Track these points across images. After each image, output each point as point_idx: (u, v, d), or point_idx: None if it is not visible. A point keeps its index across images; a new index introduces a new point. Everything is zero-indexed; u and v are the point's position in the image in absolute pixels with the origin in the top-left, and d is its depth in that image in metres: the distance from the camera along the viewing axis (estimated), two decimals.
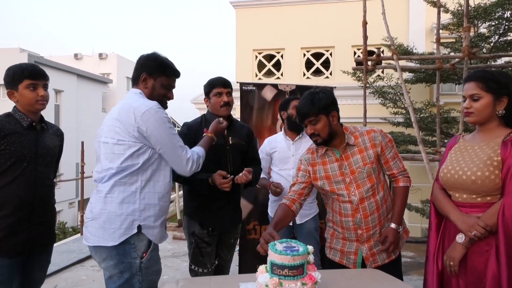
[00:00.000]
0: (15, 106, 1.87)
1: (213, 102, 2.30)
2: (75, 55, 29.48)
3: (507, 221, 1.41)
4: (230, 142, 2.31)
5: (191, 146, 2.11)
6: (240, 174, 2.16)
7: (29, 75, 1.82)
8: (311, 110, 1.83)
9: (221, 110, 2.29)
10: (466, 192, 1.57)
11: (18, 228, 1.80)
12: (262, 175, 2.77)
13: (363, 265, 1.94)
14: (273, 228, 1.76)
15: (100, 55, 29.48)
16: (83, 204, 6.91)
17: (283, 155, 2.80)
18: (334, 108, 1.88)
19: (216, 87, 2.29)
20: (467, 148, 1.64)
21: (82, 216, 6.81)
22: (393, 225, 1.89)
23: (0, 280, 1.77)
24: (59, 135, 2.09)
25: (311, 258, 1.34)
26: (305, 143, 2.80)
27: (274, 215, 1.95)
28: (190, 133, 2.27)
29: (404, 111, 7.59)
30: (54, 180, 2.10)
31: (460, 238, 1.54)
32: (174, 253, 4.76)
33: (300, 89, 3.69)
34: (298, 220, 2.76)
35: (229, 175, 2.13)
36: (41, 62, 20.64)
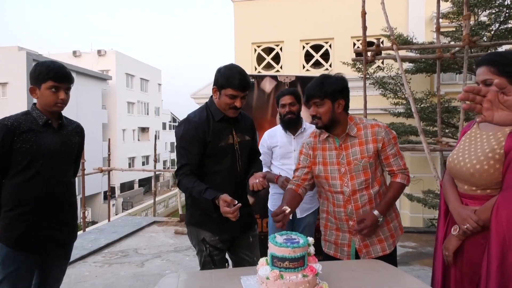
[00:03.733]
0: (34, 103, 1.89)
1: (223, 101, 1.94)
2: (74, 52, 29.39)
3: (500, 218, 1.34)
4: (238, 140, 2.04)
5: (200, 149, 1.93)
6: (256, 180, 1.87)
7: (54, 77, 1.82)
8: (318, 92, 1.82)
9: (229, 111, 1.97)
10: (467, 183, 1.52)
11: (37, 225, 1.82)
12: (265, 169, 2.71)
13: (357, 257, 1.93)
14: (286, 204, 1.83)
15: (99, 52, 29.37)
16: (84, 201, 6.93)
17: (285, 150, 2.73)
18: (342, 96, 1.85)
19: (233, 88, 1.90)
20: (477, 136, 1.55)
21: (83, 213, 6.83)
22: (375, 212, 1.85)
23: (20, 275, 1.80)
24: (79, 132, 2.08)
25: (311, 250, 1.33)
26: (307, 137, 2.77)
27: (283, 198, 1.94)
28: (198, 134, 1.93)
29: (404, 102, 7.55)
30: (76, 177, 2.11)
31: (454, 230, 1.53)
32: (176, 248, 4.76)
33: (300, 80, 3.64)
34: (299, 214, 2.73)
35: (236, 202, 1.77)
36: (39, 60, 20.63)
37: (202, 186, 1.86)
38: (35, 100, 1.91)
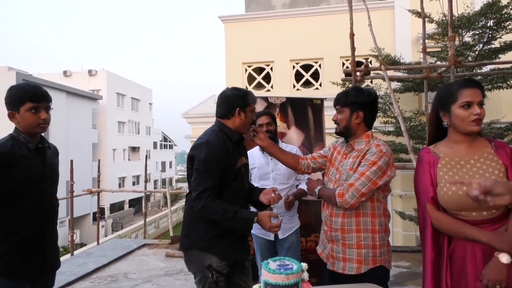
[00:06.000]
0: (16, 128, 1.83)
1: (250, 118, 2.07)
2: (64, 72, 29.35)
3: None
4: (243, 162, 2.12)
5: (221, 171, 1.93)
6: (272, 194, 2.05)
7: (32, 98, 1.78)
8: (340, 99, 1.99)
9: (249, 128, 2.15)
10: (486, 209, 1.49)
11: (34, 252, 1.79)
12: None
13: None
14: (271, 144, 2.22)
15: (90, 71, 29.39)
16: (73, 223, 6.78)
17: (263, 171, 2.76)
18: (363, 109, 1.94)
19: (255, 103, 2.12)
20: (461, 163, 1.56)
21: (72, 236, 6.67)
22: (318, 188, 2.04)
23: None
24: (56, 153, 2.06)
25: (305, 276, 1.31)
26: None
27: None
28: (221, 158, 1.95)
29: (394, 120, 7.65)
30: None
31: (506, 258, 1.43)
32: (167, 272, 4.66)
33: (291, 101, 3.68)
34: (281, 235, 2.72)
35: (279, 216, 1.96)
36: (29, 80, 20.57)
37: (234, 207, 1.91)
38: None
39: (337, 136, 2.14)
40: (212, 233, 1.96)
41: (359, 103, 1.93)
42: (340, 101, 1.98)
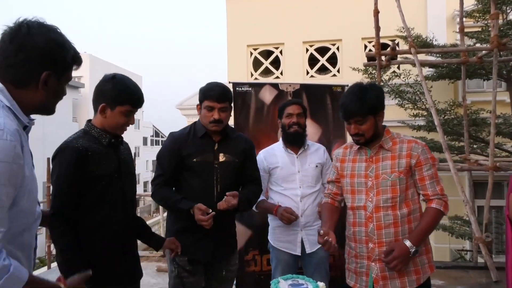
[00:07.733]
0: (90, 121, 1.91)
1: (203, 115, 2.28)
2: None
3: None
4: (220, 159, 2.28)
5: (173, 161, 2.27)
6: (224, 198, 2.15)
7: (134, 102, 1.87)
8: (360, 110, 1.90)
9: (210, 125, 2.25)
10: None
11: (120, 256, 1.87)
12: (261, 197, 2.64)
13: None
14: (328, 228, 1.93)
15: None
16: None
17: (287, 172, 2.67)
18: (382, 107, 1.98)
19: (209, 99, 2.23)
20: None
21: (49, 246, 6.69)
22: (407, 242, 1.85)
23: None
24: (128, 150, 2.12)
25: None
26: (311, 155, 2.73)
27: (322, 214, 2.13)
28: (174, 146, 2.29)
29: (425, 113, 7.58)
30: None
31: None
32: None
33: (306, 88, 3.63)
34: (309, 249, 2.64)
35: (210, 210, 2.09)
36: None
37: (178, 197, 2.22)
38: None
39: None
40: (177, 225, 2.30)
41: (381, 103, 1.98)
42: (360, 112, 1.91)
